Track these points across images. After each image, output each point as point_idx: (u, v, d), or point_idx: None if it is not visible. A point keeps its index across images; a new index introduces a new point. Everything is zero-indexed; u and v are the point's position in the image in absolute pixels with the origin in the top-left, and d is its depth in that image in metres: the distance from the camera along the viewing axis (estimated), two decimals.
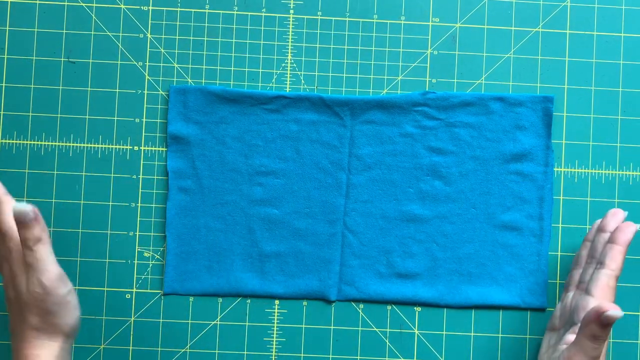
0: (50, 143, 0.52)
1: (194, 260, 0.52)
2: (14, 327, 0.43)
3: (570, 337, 0.43)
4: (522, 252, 0.52)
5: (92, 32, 0.52)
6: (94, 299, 0.51)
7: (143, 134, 0.52)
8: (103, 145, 0.52)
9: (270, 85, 0.53)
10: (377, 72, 0.53)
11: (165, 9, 0.52)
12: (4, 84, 0.52)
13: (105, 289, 0.52)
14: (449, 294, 0.52)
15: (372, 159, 0.52)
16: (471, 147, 0.52)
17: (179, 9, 0.53)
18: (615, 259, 0.44)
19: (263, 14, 0.53)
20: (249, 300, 0.52)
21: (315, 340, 0.52)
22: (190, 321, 0.52)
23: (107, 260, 0.52)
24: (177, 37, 0.52)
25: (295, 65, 0.53)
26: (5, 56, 0.52)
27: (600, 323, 0.39)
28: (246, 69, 0.53)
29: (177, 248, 0.51)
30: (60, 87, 0.52)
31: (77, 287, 0.51)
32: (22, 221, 0.40)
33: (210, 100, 0.52)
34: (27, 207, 0.40)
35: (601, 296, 0.44)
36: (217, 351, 0.51)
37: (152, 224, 0.52)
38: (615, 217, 0.47)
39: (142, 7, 0.53)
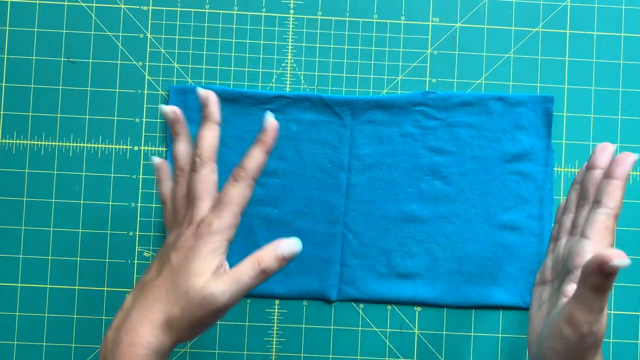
0: (50, 143, 0.52)
1: None
2: None
3: (569, 288, 0.37)
4: (522, 252, 0.52)
5: (92, 32, 0.52)
6: (94, 299, 0.51)
7: (143, 133, 0.52)
8: (103, 145, 0.52)
9: (270, 85, 0.53)
10: (377, 72, 0.53)
11: (165, 8, 0.52)
12: (4, 84, 0.52)
13: (105, 288, 0.52)
14: (449, 294, 0.52)
15: (372, 159, 0.52)
16: (471, 147, 0.52)
17: (179, 9, 0.53)
18: (613, 195, 0.37)
19: (263, 14, 0.53)
20: (249, 300, 0.52)
21: (315, 340, 0.52)
22: None
23: (107, 260, 0.52)
24: (177, 37, 0.52)
25: (295, 65, 0.53)
26: (5, 56, 0.52)
27: (604, 273, 0.32)
28: (246, 69, 0.53)
29: None
30: (60, 87, 0.52)
31: (77, 287, 0.51)
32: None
33: None
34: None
35: (599, 238, 0.37)
36: (217, 351, 0.51)
37: (152, 224, 0.52)
38: (606, 151, 0.40)
39: (142, 7, 0.53)
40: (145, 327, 0.35)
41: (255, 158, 0.39)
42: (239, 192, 0.38)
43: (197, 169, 0.38)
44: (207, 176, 0.39)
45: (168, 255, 0.37)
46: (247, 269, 0.37)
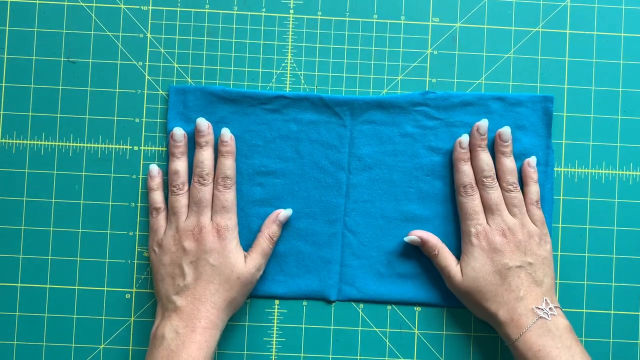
0: (50, 143, 0.52)
1: None
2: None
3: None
4: None
5: (92, 32, 0.52)
6: (93, 299, 0.51)
7: (143, 133, 0.52)
8: (103, 145, 0.52)
9: (270, 85, 0.53)
10: (377, 72, 0.53)
11: (165, 8, 0.52)
12: (4, 84, 0.52)
13: (105, 288, 0.52)
14: (449, 294, 0.52)
15: (372, 159, 0.52)
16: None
17: (178, 9, 0.53)
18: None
19: (263, 14, 0.53)
20: (248, 300, 0.52)
21: (315, 340, 0.52)
22: None
23: (106, 260, 0.52)
24: (177, 37, 0.52)
25: (295, 65, 0.53)
26: (5, 56, 0.52)
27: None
28: (246, 69, 0.53)
29: None
30: (60, 87, 0.52)
31: (76, 287, 0.51)
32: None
33: (210, 100, 0.52)
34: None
35: None
36: (217, 351, 0.51)
37: None
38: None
39: (142, 7, 0.53)
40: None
41: (229, 166, 0.50)
42: (233, 196, 0.49)
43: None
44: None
45: (205, 260, 0.47)
46: (264, 243, 0.50)
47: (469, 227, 0.49)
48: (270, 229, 0.50)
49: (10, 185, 0.52)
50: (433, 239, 0.50)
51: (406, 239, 0.50)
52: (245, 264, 0.48)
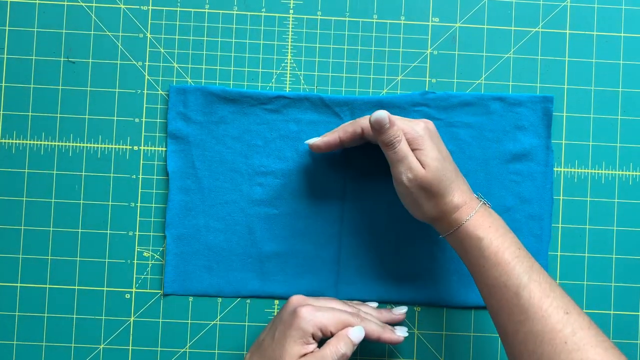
0: (50, 143, 0.52)
1: (194, 260, 0.52)
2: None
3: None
4: None
5: (92, 32, 0.52)
6: (93, 298, 0.51)
7: (143, 133, 0.52)
8: (103, 145, 0.52)
9: (270, 85, 0.53)
10: (377, 72, 0.53)
11: (165, 8, 0.52)
12: (3, 84, 0.52)
13: (105, 288, 0.52)
14: (449, 294, 0.52)
15: (372, 159, 0.52)
16: (471, 147, 0.52)
17: (178, 9, 0.53)
18: None
19: (263, 14, 0.53)
20: (248, 300, 0.52)
21: None
22: (189, 321, 0.52)
23: (106, 260, 0.52)
24: (176, 37, 0.52)
25: (295, 65, 0.53)
26: (5, 56, 0.52)
27: (374, 129, 0.44)
28: (246, 69, 0.53)
29: (176, 248, 0.51)
30: (60, 87, 0.52)
31: (76, 287, 0.51)
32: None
33: (209, 100, 0.52)
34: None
35: None
36: (216, 351, 0.51)
37: (152, 224, 0.52)
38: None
39: (141, 6, 0.53)
40: None
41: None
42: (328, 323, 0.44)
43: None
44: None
45: (276, 326, 0.44)
46: (330, 353, 0.43)
47: (414, 129, 0.45)
48: (343, 347, 0.44)
49: (10, 185, 0.52)
50: (400, 123, 0.45)
51: (372, 118, 0.43)
52: None
